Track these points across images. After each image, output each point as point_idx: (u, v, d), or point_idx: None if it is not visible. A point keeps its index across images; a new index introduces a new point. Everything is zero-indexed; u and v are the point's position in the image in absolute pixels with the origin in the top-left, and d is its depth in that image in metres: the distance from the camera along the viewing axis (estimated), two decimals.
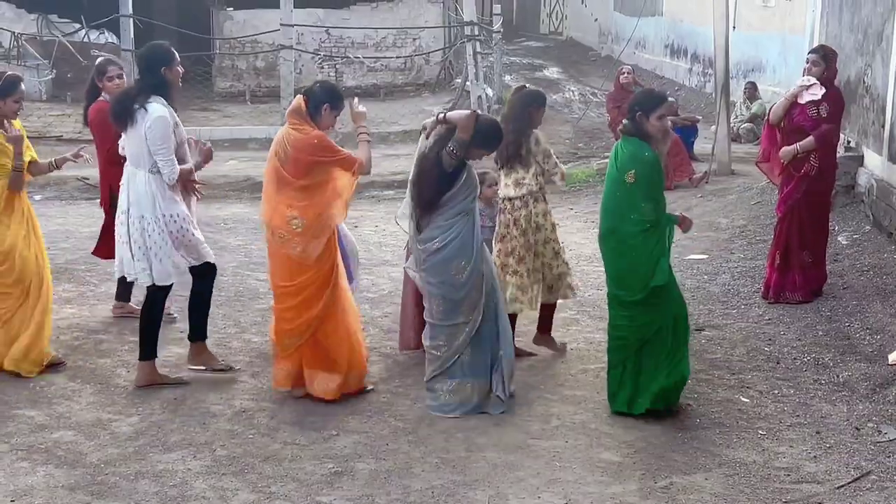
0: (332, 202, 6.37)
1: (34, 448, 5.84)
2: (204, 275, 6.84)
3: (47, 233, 9.20)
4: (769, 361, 7.45)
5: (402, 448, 5.94)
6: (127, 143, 6.61)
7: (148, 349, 6.72)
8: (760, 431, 6.27)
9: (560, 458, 5.85)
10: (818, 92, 8.29)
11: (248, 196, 13.14)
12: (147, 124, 6.32)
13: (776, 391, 6.90)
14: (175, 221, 6.48)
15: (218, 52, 21.25)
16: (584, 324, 8.21)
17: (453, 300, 6.38)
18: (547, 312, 7.50)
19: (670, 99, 15.79)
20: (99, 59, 8.07)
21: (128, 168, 6.59)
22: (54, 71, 18.93)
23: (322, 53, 21.22)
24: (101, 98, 7.75)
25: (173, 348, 7.34)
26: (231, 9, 21.40)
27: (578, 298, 8.84)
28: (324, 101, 6.34)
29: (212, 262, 6.84)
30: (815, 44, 11.14)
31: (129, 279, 6.81)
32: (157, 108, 6.34)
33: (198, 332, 7.01)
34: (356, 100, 6.82)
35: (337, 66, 21.54)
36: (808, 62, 8.46)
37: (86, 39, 19.56)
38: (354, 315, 6.72)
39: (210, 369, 6.97)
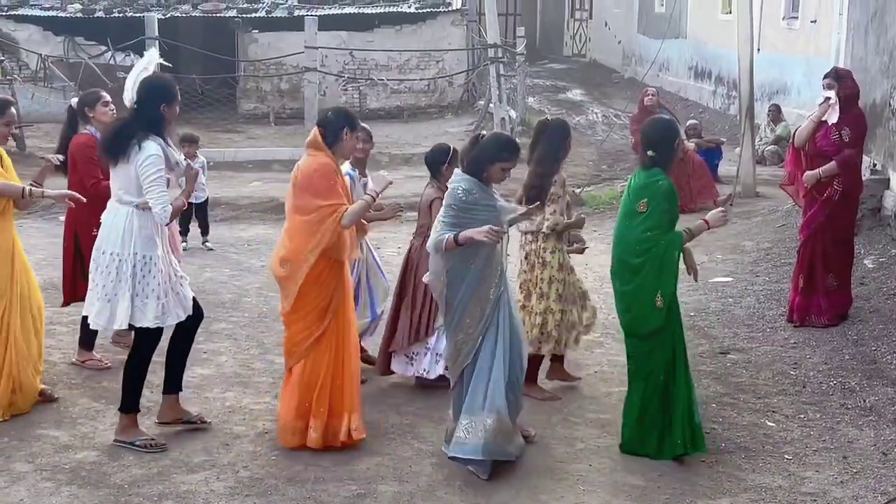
0: (309, 247, 6.02)
1: (58, 468, 5.85)
2: (185, 328, 6.34)
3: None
4: (795, 385, 7.39)
5: (424, 470, 5.92)
6: (113, 179, 6.15)
7: (130, 399, 6.22)
8: (786, 456, 6.21)
9: (584, 482, 5.81)
10: (834, 104, 8.29)
11: (271, 217, 13.18)
12: (140, 161, 5.93)
13: (802, 415, 6.85)
14: (146, 264, 5.99)
15: (242, 74, 21.42)
16: (609, 346, 8.17)
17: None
18: (531, 363, 6.83)
19: (692, 121, 15.89)
20: (88, 91, 7.68)
21: (110, 204, 6.16)
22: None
23: (346, 76, 21.35)
24: (87, 130, 7.32)
25: (196, 369, 7.35)
26: (256, 31, 21.55)
27: (602, 321, 8.81)
28: (342, 125, 6.16)
29: (189, 314, 6.26)
30: (841, 66, 11.10)
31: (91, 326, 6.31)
32: (152, 146, 5.96)
33: (173, 384, 6.50)
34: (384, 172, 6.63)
35: (361, 89, 21.67)
36: (824, 87, 8.46)
37: (112, 61, 19.77)
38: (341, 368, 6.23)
39: (183, 421, 6.46)
